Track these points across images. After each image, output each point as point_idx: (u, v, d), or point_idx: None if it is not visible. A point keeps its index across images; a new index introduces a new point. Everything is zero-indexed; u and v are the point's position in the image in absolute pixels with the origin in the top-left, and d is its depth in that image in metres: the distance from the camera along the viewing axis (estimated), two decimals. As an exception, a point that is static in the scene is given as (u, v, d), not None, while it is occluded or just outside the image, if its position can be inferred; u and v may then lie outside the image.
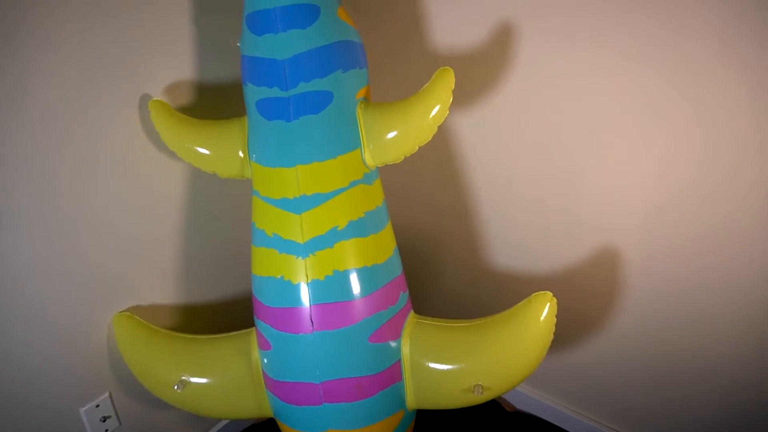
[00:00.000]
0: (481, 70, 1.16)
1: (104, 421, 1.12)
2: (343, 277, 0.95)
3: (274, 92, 0.92)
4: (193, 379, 1.04)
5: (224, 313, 1.31)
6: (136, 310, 1.12)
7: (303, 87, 0.91)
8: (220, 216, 1.25)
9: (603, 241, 1.15)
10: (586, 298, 1.21)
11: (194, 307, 1.24)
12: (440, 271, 1.50)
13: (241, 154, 1.00)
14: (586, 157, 1.10)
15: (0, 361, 0.94)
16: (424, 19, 1.21)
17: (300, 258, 0.94)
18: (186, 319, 1.23)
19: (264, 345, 1.01)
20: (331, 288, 0.94)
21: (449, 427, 1.38)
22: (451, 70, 0.93)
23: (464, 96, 1.20)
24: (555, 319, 0.95)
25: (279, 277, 0.96)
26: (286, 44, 0.89)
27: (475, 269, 1.40)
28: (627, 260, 1.12)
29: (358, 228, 0.96)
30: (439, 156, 1.33)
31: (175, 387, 1.02)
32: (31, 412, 1.00)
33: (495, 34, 1.11)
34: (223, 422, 1.39)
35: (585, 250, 1.18)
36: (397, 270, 1.04)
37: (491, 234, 1.33)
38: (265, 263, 0.98)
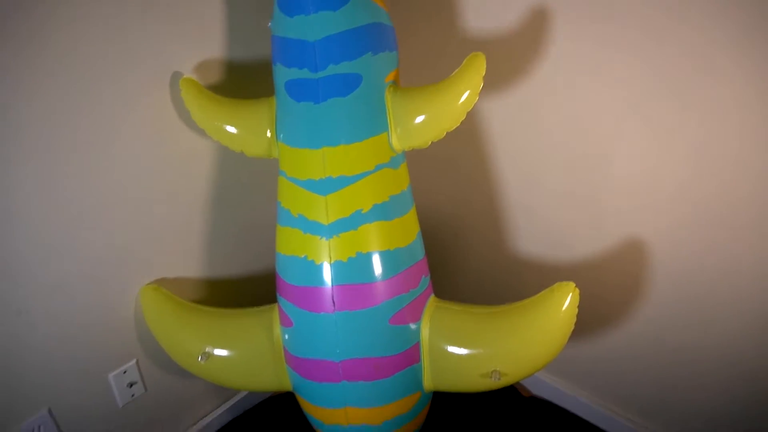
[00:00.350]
0: (512, 56, 1.14)
1: (131, 386, 1.17)
2: (365, 260, 0.96)
3: (304, 74, 0.92)
4: (217, 352, 1.07)
5: (246, 288, 1.34)
6: (162, 283, 1.15)
7: (332, 69, 0.91)
8: (245, 194, 1.27)
9: (628, 232, 1.13)
10: (608, 288, 1.21)
11: (218, 282, 1.27)
12: (463, 257, 1.50)
13: (269, 133, 1.01)
14: (614, 147, 1.08)
15: (37, 328, 0.98)
16: (456, 1, 1.19)
17: (324, 239, 0.95)
18: (209, 293, 1.26)
19: (286, 322, 1.04)
20: (353, 269, 0.96)
21: (464, 409, 1.40)
22: (483, 56, 0.92)
23: (494, 81, 1.19)
24: (576, 310, 0.95)
25: (303, 256, 0.97)
26: (317, 26, 0.89)
27: (498, 255, 1.40)
28: (652, 252, 1.11)
29: (383, 211, 0.96)
30: (465, 141, 1.32)
31: (199, 358, 1.06)
32: (63, 375, 1.05)
33: (528, 19, 1.09)
34: (243, 393, 1.44)
35: (609, 241, 1.17)
36: (420, 254, 1.04)
37: (515, 221, 1.33)
38: (289, 242, 0.99)
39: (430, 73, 1.25)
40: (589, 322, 1.26)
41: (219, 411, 1.39)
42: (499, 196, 1.33)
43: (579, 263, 1.25)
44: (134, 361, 1.16)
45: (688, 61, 0.93)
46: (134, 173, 1.05)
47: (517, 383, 1.49)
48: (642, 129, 1.03)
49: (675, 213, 1.05)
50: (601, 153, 1.11)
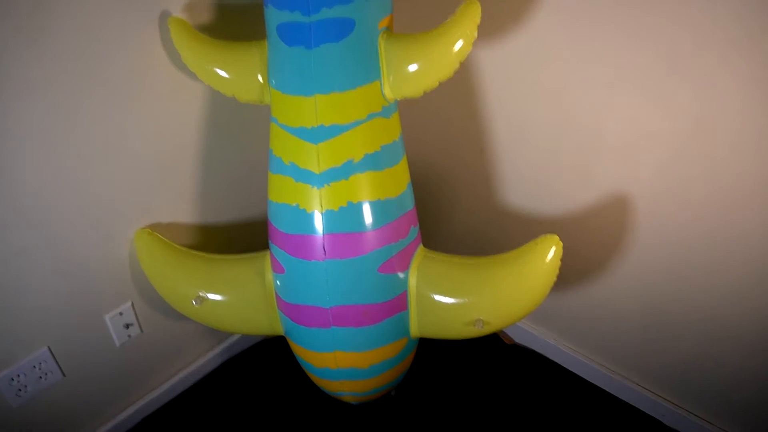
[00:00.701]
0: (506, 6, 1.12)
1: (127, 327, 1.20)
2: (356, 209, 0.97)
3: (296, 17, 0.90)
4: (210, 296, 1.10)
5: (238, 234, 1.35)
6: (156, 227, 1.16)
7: (325, 13, 0.89)
8: (238, 139, 1.26)
9: (614, 188, 1.15)
10: (592, 242, 1.23)
11: (210, 227, 1.29)
12: (451, 207, 1.52)
13: (260, 78, 0.99)
14: (604, 104, 1.08)
15: (34, 268, 1.00)
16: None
17: (315, 188, 0.96)
18: (202, 238, 1.28)
19: (278, 268, 1.06)
20: (344, 219, 0.97)
21: (449, 355, 1.45)
22: (478, 4, 0.90)
23: (487, 31, 1.16)
24: (560, 262, 0.97)
25: (294, 205, 0.98)
26: (310, -34, 0.86)
27: (487, 207, 1.41)
28: (635, 208, 1.13)
29: (374, 161, 0.97)
30: (456, 91, 1.31)
31: (193, 302, 1.08)
32: (61, 316, 1.07)
33: (528, -35, 1.06)
34: (236, 336, 1.48)
35: (595, 195, 1.19)
36: (409, 204, 1.06)
37: (504, 173, 1.34)
38: (281, 190, 1.00)
39: (423, 21, 1.22)
40: (570, 275, 1.30)
41: (213, 353, 1.44)
42: (489, 147, 1.33)
43: (562, 218, 1.27)
44: (129, 303, 1.19)
45: (686, 33, 0.92)
46: (124, 118, 1.03)
47: (500, 331, 1.54)
48: (634, 91, 1.02)
49: (661, 176, 1.06)
50: (592, 111, 1.10)
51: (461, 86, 1.29)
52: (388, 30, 0.97)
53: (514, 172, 1.32)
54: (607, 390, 1.37)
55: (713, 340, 1.13)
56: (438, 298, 1.04)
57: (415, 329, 1.09)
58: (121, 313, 1.18)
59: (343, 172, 0.95)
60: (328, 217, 0.97)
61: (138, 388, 1.30)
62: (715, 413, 1.21)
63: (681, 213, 1.06)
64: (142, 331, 1.24)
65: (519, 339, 1.53)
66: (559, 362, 1.45)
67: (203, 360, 1.42)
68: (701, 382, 1.19)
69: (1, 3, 0.82)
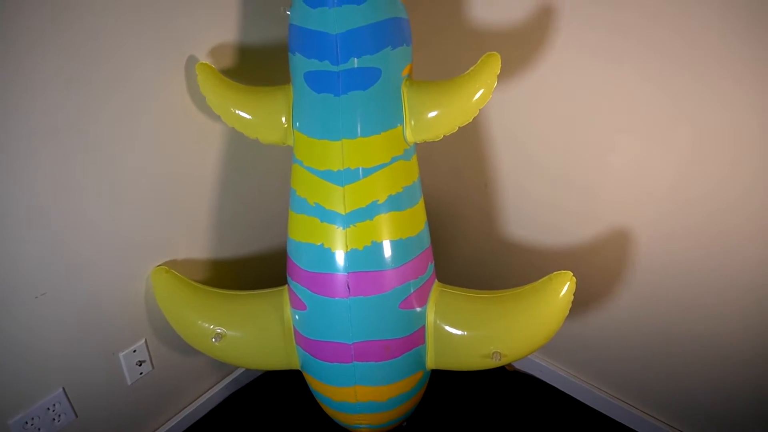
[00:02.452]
0: (516, 49, 1.18)
1: (140, 365, 1.20)
2: (380, 248, 1.00)
3: (325, 65, 0.93)
4: (229, 333, 1.10)
5: (248, 269, 1.37)
6: (171, 264, 1.17)
7: (353, 62, 0.93)
8: (248, 178, 1.28)
9: (615, 221, 1.21)
10: (593, 273, 1.29)
11: (221, 263, 1.30)
12: (457, 241, 1.56)
13: (284, 121, 1.02)
14: (609, 142, 1.15)
15: (54, 310, 0.99)
16: (464, -7, 1.21)
17: (341, 228, 0.99)
18: (213, 273, 1.29)
19: (298, 305, 1.08)
20: (368, 257, 1.00)
21: (452, 383, 1.48)
22: (498, 56, 0.95)
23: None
24: (572, 297, 1.03)
25: (319, 244, 1.01)
26: (341, 19, 0.90)
27: (491, 240, 1.46)
28: (636, 241, 1.20)
29: (397, 202, 1.01)
30: (464, 128, 1.36)
31: (213, 339, 1.09)
32: (77, 356, 1.07)
33: (535, 16, 1.13)
34: (241, 368, 1.48)
35: (597, 228, 1.25)
36: (427, 242, 1.10)
37: (509, 208, 1.39)
38: (305, 230, 1.03)
39: (433, 66, 1.28)
40: (574, 302, 1.35)
41: (219, 387, 1.44)
42: (495, 182, 1.38)
43: (564, 250, 1.33)
44: (143, 340, 1.18)
45: (686, 72, 0.99)
46: (148, 157, 1.05)
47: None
48: (638, 129, 1.10)
49: (664, 206, 1.13)
50: (596, 148, 1.17)
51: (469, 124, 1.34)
52: (410, 77, 1.01)
53: (519, 206, 1.37)
54: (609, 415, 1.42)
55: (715, 366, 1.19)
56: (456, 331, 1.08)
57: (432, 362, 1.13)
58: (134, 351, 1.17)
59: (368, 212, 0.99)
60: (353, 256, 1.00)
61: (148, 424, 1.29)
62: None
63: (679, 245, 1.13)
64: (153, 367, 1.23)
65: (520, 366, 1.58)
66: (560, 388, 1.50)
67: (210, 394, 1.41)
68: (703, 408, 1.25)
69: (58, 55, 0.85)
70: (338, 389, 1.11)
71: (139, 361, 1.19)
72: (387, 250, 1.01)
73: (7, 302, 0.92)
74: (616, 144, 1.14)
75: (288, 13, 0.98)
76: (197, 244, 1.22)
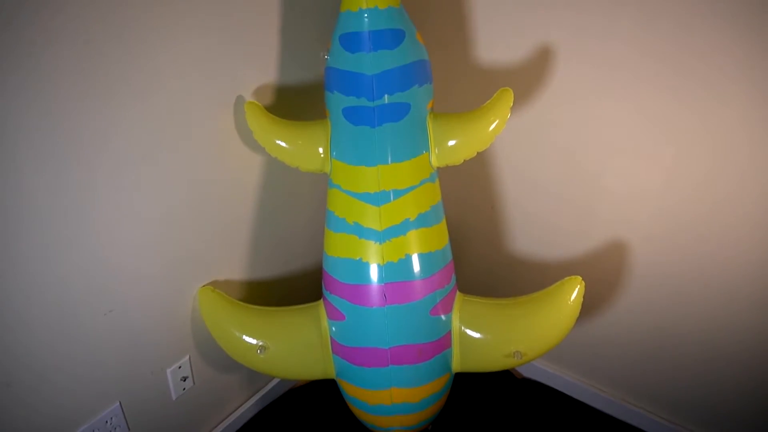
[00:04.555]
0: (519, 84, 1.34)
1: (184, 380, 1.28)
2: (412, 260, 1.13)
3: (362, 102, 1.08)
4: (272, 345, 1.20)
5: (281, 288, 1.47)
6: (214, 284, 1.27)
7: (387, 99, 1.07)
8: (284, 205, 1.40)
9: (614, 234, 1.36)
10: (595, 281, 1.43)
11: (257, 282, 1.40)
12: (469, 258, 1.69)
13: (321, 152, 1.15)
14: (602, 165, 1.31)
15: (116, 324, 1.08)
16: (472, 42, 1.38)
17: (378, 243, 1.11)
18: (253, 292, 1.39)
19: (336, 316, 1.19)
20: (402, 269, 1.12)
21: (464, 391, 1.59)
22: (511, 91, 1.11)
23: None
24: (582, 299, 1.16)
25: (357, 258, 1.13)
26: (376, 62, 1.05)
27: (500, 256, 1.60)
28: (632, 252, 1.35)
29: (425, 219, 1.14)
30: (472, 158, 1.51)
31: (258, 351, 1.18)
32: (131, 370, 1.15)
33: (532, 56, 1.30)
34: (272, 384, 1.56)
35: (597, 241, 1.39)
36: (450, 256, 1.22)
37: (515, 227, 1.53)
38: (344, 246, 1.15)
39: (445, 100, 1.43)
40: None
41: (251, 402, 1.51)
42: (499, 206, 1.53)
43: (567, 260, 1.47)
44: (187, 356, 1.27)
45: (670, 96, 1.16)
46: (196, 184, 1.16)
47: (511, 367, 1.70)
48: (627, 152, 1.26)
49: (655, 219, 1.28)
50: (591, 171, 1.33)
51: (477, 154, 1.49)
52: (433, 110, 1.16)
53: (522, 227, 1.52)
54: (615, 416, 1.54)
55: (716, 367, 1.32)
56: (479, 335, 1.19)
57: (457, 364, 1.24)
58: (180, 367, 1.26)
59: (402, 229, 1.11)
60: (388, 268, 1.12)
61: (187, 440, 1.36)
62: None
63: (674, 253, 1.28)
64: (194, 383, 1.31)
65: (528, 374, 1.69)
66: (568, 393, 1.62)
67: (242, 409, 1.49)
68: (708, 406, 1.37)
69: (135, 97, 0.96)
70: (375, 393, 1.21)
71: (183, 377, 1.27)
72: (418, 263, 1.14)
73: (81, 317, 1.00)
74: (608, 167, 1.30)
75: (326, 57, 1.13)
76: (235, 266, 1.33)
